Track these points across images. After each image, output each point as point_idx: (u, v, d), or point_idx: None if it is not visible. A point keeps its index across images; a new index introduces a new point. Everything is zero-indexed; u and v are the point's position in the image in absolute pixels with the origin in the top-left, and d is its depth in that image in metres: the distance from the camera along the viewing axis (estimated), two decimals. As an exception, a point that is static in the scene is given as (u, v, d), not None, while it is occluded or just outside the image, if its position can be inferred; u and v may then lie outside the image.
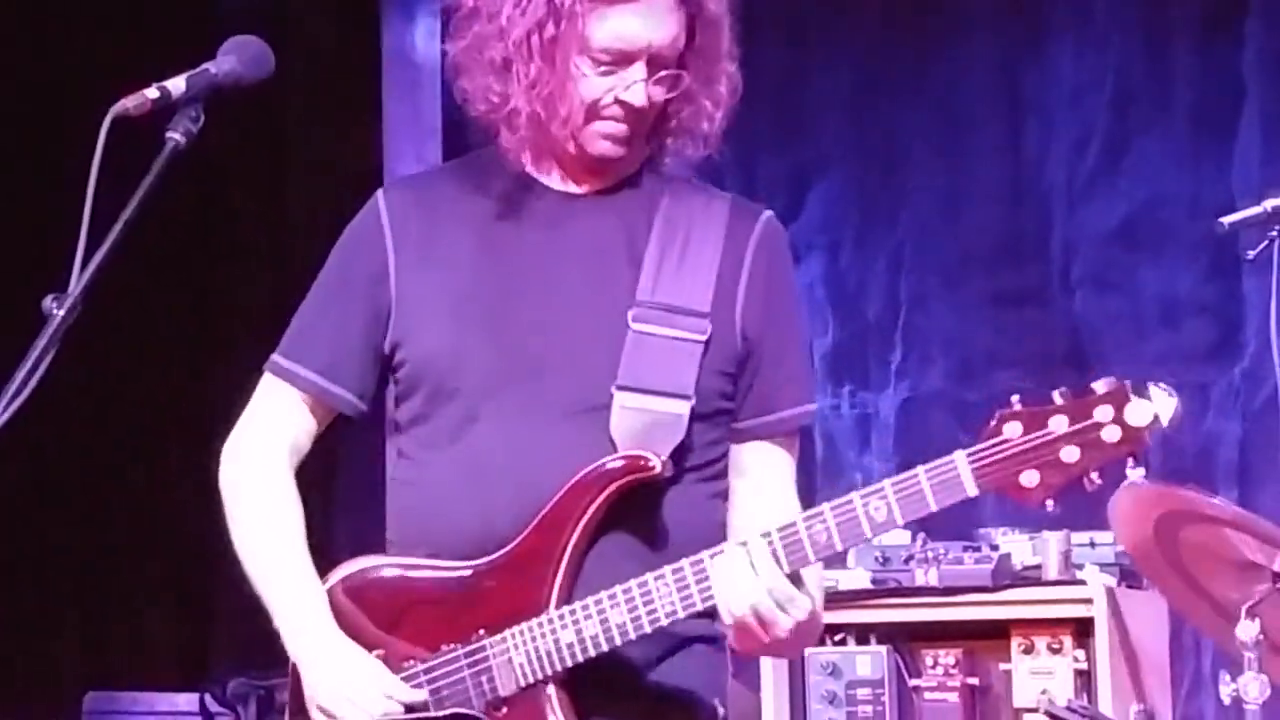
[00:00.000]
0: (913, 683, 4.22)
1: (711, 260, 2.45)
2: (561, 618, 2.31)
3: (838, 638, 4.28)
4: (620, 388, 2.35)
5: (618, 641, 2.30)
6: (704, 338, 2.39)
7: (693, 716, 2.40)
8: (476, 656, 2.35)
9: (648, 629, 2.30)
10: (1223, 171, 4.74)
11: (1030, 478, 2.14)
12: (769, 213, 2.55)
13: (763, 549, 2.22)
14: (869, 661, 4.26)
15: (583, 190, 2.47)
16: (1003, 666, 4.17)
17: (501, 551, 2.35)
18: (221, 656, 4.80)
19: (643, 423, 2.35)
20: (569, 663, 2.31)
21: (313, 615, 2.43)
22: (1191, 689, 4.59)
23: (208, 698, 4.33)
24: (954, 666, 4.18)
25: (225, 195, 5.14)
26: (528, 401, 2.39)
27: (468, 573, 2.38)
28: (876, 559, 4.34)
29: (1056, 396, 2.15)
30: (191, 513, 4.86)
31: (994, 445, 2.16)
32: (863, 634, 4.27)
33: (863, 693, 4.24)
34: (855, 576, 4.30)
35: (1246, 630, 3.29)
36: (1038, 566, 4.20)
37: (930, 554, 4.24)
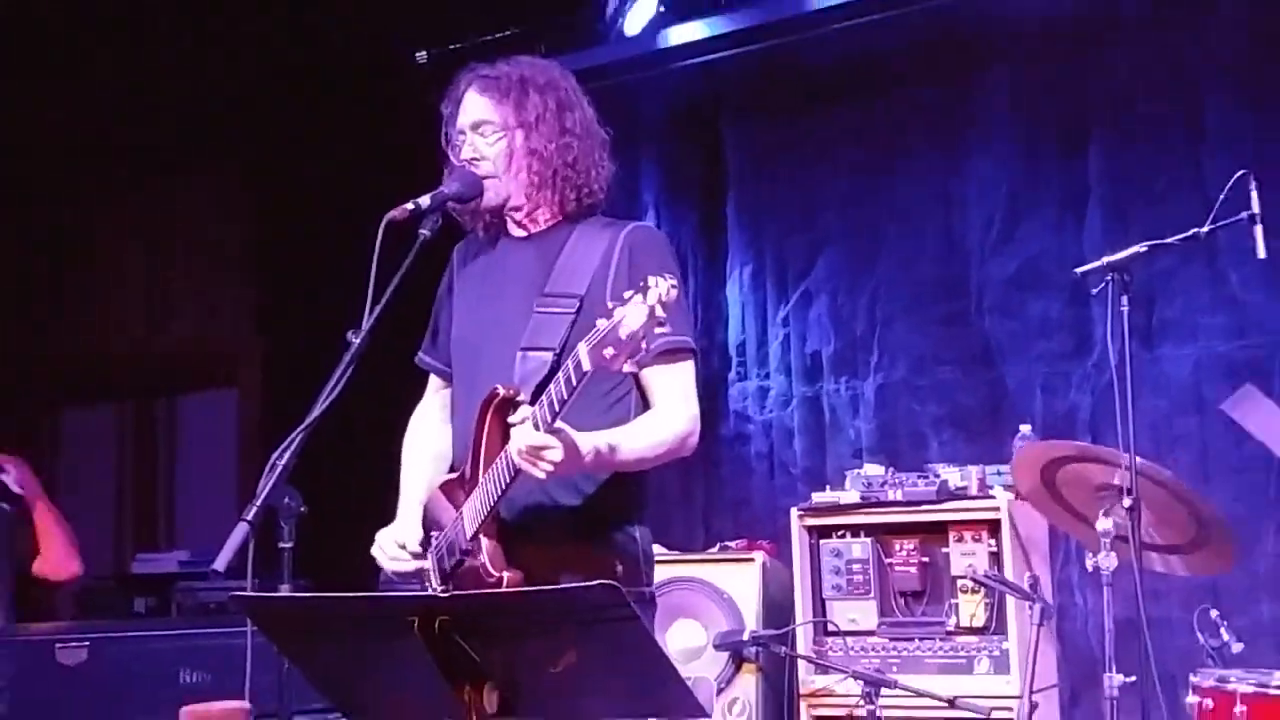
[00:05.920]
0: (887, 561, 4.72)
1: (592, 259, 2.62)
2: (476, 492, 2.55)
3: (840, 534, 4.79)
4: (522, 349, 2.61)
5: (495, 500, 2.48)
6: (572, 309, 2.58)
7: (592, 564, 2.54)
8: (456, 524, 2.61)
9: (504, 483, 2.45)
10: (1077, 239, 5.17)
11: (609, 352, 2.19)
12: (639, 223, 2.72)
13: (531, 412, 2.37)
14: (859, 548, 4.77)
15: (524, 234, 2.78)
16: (944, 550, 4.64)
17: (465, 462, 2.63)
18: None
19: (527, 369, 2.56)
20: (482, 517, 2.50)
21: (404, 505, 2.79)
22: (1063, 562, 5.03)
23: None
24: (913, 550, 4.67)
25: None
26: (477, 371, 2.68)
27: (456, 476, 2.69)
28: (863, 484, 4.80)
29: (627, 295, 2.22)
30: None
31: (597, 333, 2.22)
32: (855, 531, 4.80)
33: (856, 567, 4.77)
34: (850, 495, 4.82)
35: (1103, 525, 3.67)
36: (965, 487, 4.72)
37: (897, 480, 4.74)
